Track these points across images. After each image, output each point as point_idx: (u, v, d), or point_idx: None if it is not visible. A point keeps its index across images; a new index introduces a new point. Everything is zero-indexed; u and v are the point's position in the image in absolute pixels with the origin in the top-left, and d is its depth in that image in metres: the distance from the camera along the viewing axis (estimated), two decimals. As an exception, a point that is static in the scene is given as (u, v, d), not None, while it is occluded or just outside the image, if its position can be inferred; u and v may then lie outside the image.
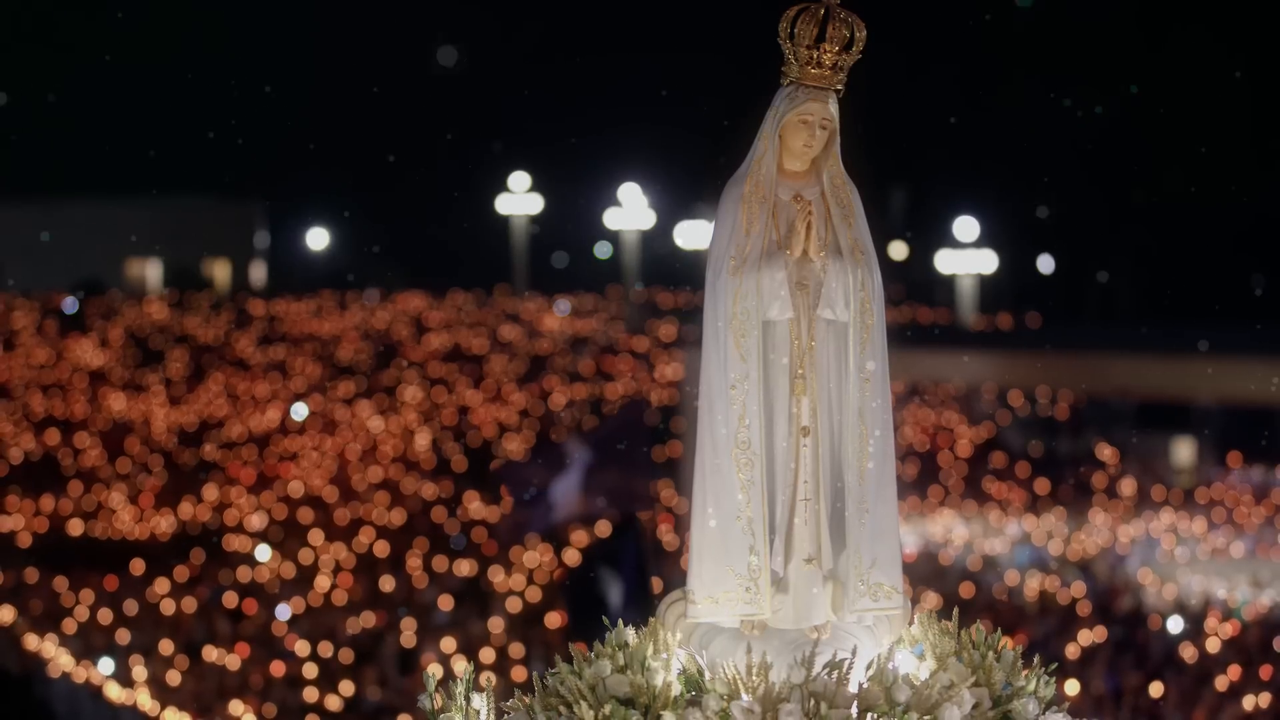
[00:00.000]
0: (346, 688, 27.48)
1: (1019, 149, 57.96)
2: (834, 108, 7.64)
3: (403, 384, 53.52)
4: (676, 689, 7.41)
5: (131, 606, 33.20)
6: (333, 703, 26.99)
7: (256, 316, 58.70)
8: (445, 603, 33.38)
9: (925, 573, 36.08)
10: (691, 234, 56.43)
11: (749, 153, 7.71)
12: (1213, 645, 28.82)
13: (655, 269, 61.16)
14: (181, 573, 36.58)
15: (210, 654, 29.45)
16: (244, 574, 36.66)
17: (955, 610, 7.84)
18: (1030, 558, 39.76)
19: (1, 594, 34.71)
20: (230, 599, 33.82)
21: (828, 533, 7.62)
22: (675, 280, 61.42)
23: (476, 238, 60.41)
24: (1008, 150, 58.43)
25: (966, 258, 60.94)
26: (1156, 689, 25.84)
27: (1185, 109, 53.79)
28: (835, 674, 7.20)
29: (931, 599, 28.87)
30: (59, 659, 29.59)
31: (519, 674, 26.26)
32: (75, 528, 43.65)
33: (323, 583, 35.97)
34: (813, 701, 7.12)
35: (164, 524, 43.74)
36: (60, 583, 35.34)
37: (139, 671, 28.21)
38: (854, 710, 7.16)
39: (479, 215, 61.16)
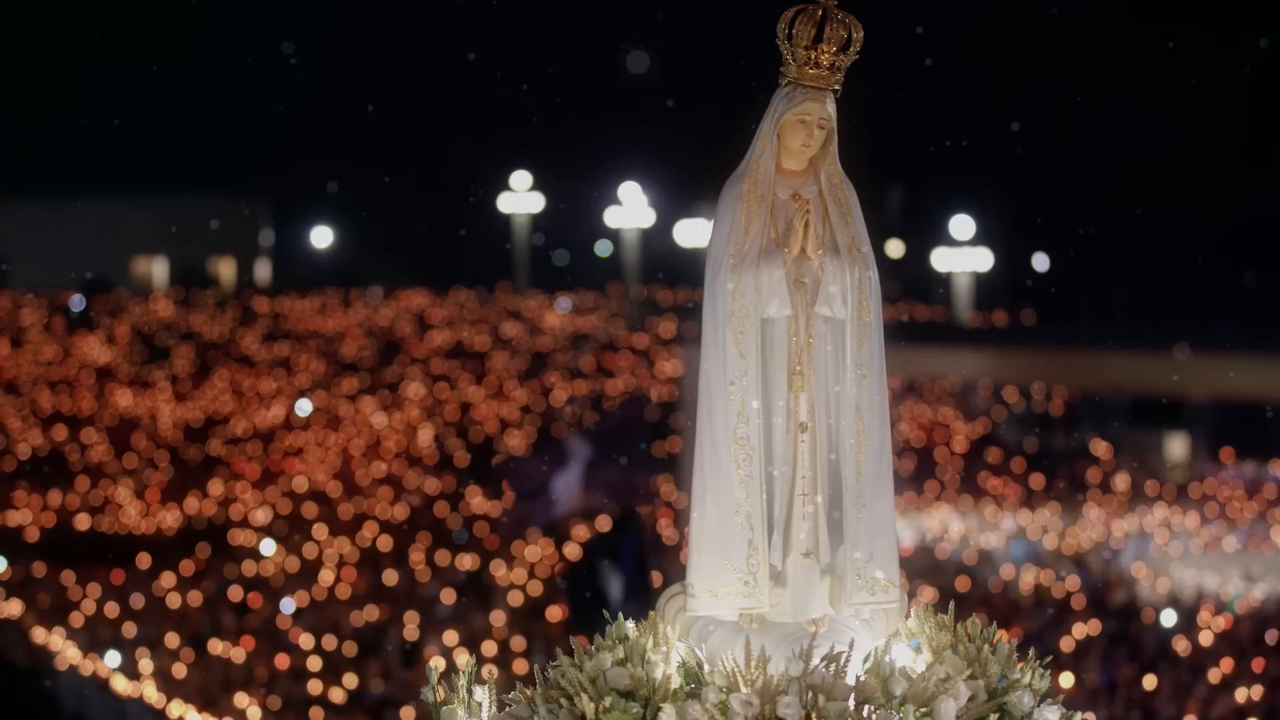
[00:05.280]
0: (350, 680, 27.66)
1: (1015, 148, 58.14)
2: (831, 107, 7.66)
3: (406, 380, 53.62)
4: (676, 682, 7.42)
5: (138, 600, 33.45)
6: (336, 695, 27.17)
7: (261, 314, 58.78)
8: (448, 596, 33.58)
9: (922, 567, 36.17)
10: (691, 232, 56.61)
11: (747, 152, 7.72)
12: (1206, 638, 28.92)
13: (655, 267, 61.26)
14: (187, 567, 36.77)
15: (215, 647, 29.67)
16: (249, 568, 36.81)
17: (951, 604, 7.83)
18: (1025, 552, 39.94)
19: (9, 588, 34.84)
20: (235, 593, 34.01)
21: (825, 527, 7.64)
22: (675, 278, 61.58)
23: (478, 235, 60.55)
24: (1004, 149, 58.59)
25: (962, 255, 61.06)
26: (1150, 682, 25.93)
27: (1181, 108, 53.97)
28: (833, 667, 7.22)
29: (928, 593, 28.89)
30: (66, 652, 29.81)
31: (520, 667, 26.36)
32: (82, 522, 43.70)
33: (326, 577, 36.13)
34: (810, 694, 7.13)
35: (170, 519, 43.89)
36: (67, 576, 35.53)
37: (145, 664, 28.42)
38: (851, 703, 7.18)
39: (481, 213, 61.32)
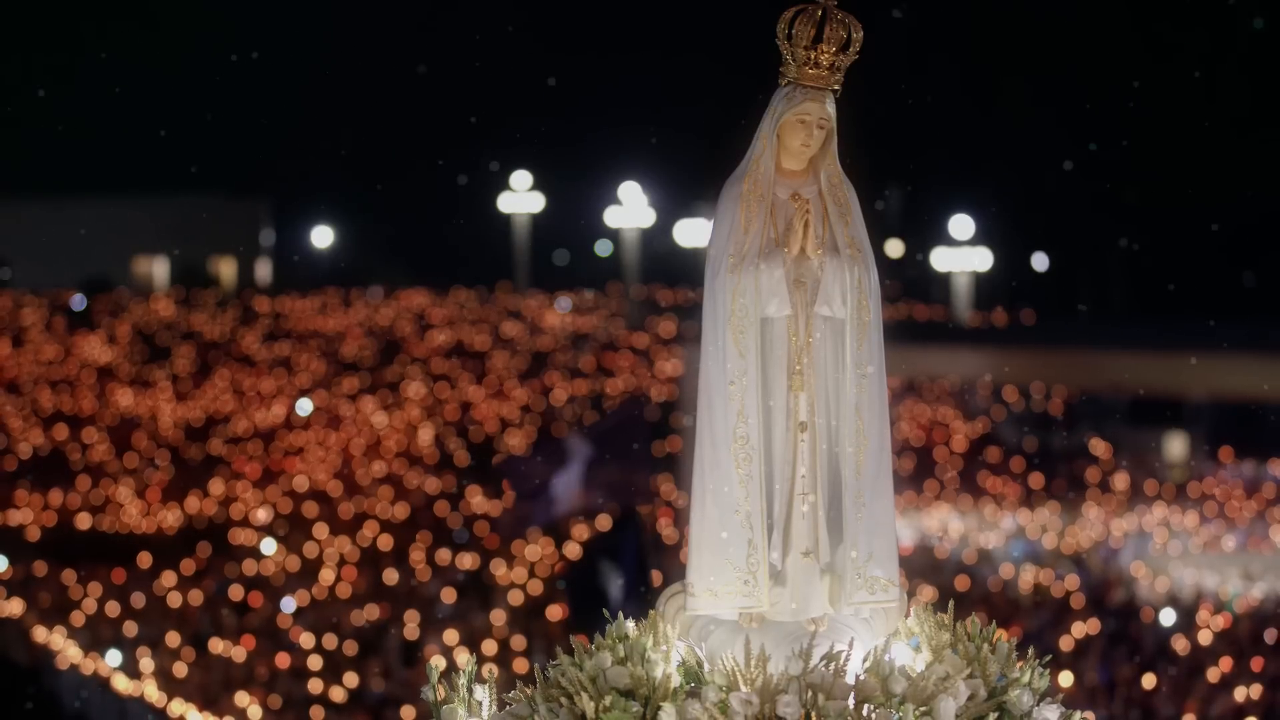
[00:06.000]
0: (350, 679, 27.71)
1: (1014, 148, 58.20)
2: (831, 107, 7.67)
3: (406, 380, 53.68)
4: (676, 681, 7.44)
5: (139, 599, 33.50)
6: (337, 694, 27.21)
7: (262, 313, 58.86)
8: (448, 595, 33.63)
9: (921, 566, 36.22)
10: (691, 232, 56.69)
11: (747, 152, 7.74)
12: (1205, 637, 28.97)
13: (655, 266, 61.34)
14: (188, 566, 36.82)
15: (216, 646, 29.72)
16: (249, 567, 36.88)
17: (950, 603, 7.84)
18: (1025, 551, 40.01)
19: (11, 587, 34.91)
20: (236, 592, 34.06)
21: (825, 526, 7.66)
22: (675, 278, 61.66)
23: (478, 235, 60.63)
24: (1003, 149, 58.66)
25: (962, 255, 61.16)
26: (1149, 681, 25.97)
27: (1179, 107, 54.03)
28: (832, 666, 7.24)
29: (927, 592, 28.96)
30: (67, 651, 29.84)
31: (521, 666, 26.40)
32: (83, 521, 43.76)
33: (327, 576, 36.19)
34: (810, 693, 7.13)
35: (170, 518, 43.96)
36: (69, 576, 35.59)
37: (146, 663, 28.45)
38: (851, 702, 7.19)
39: (481, 213, 61.40)
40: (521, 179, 61.62)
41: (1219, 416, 48.29)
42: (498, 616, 31.67)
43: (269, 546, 38.40)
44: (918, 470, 47.16)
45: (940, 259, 61.52)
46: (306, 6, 64.15)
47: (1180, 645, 28.47)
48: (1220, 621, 30.57)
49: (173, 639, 29.93)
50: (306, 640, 29.74)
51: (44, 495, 44.80)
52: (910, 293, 62.17)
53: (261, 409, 51.54)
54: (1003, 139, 58.15)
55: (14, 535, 41.71)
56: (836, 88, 7.71)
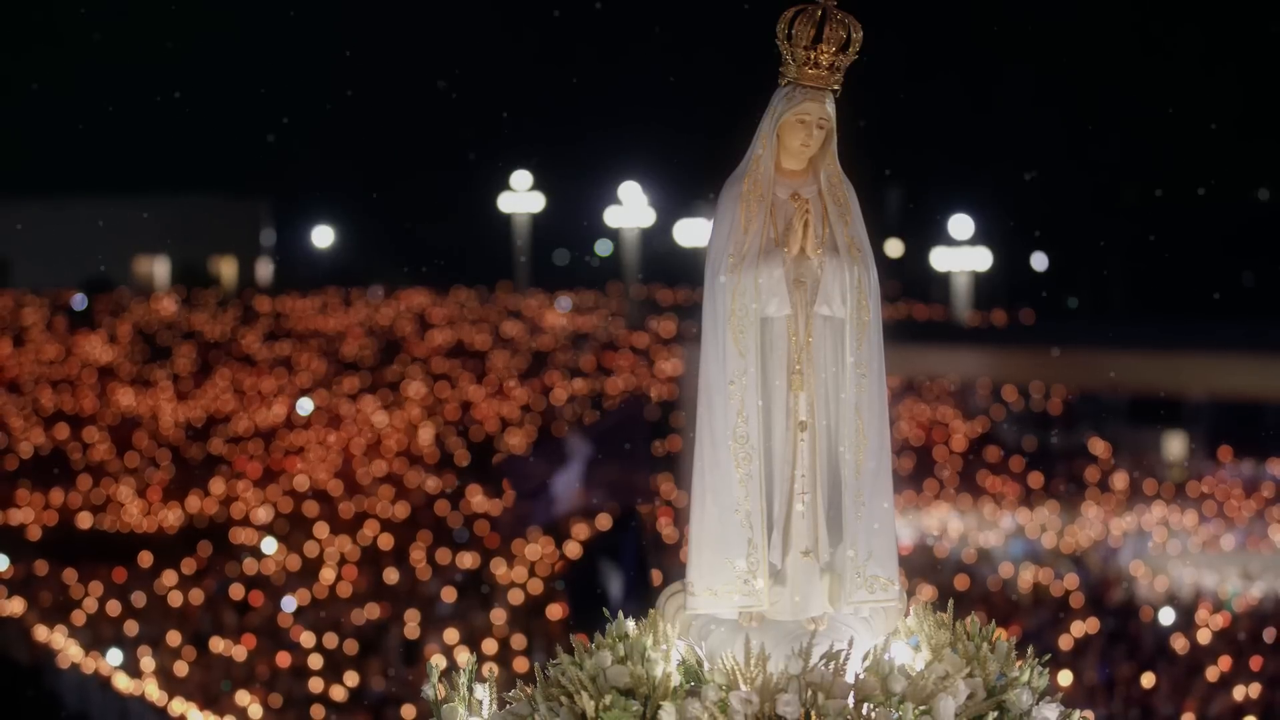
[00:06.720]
0: (351, 678, 27.76)
1: (1014, 148, 58.26)
2: (831, 107, 7.68)
3: (406, 379, 53.71)
4: (676, 680, 7.45)
5: (139, 598, 33.54)
6: (338, 693, 27.26)
7: (262, 313, 58.88)
8: (448, 595, 33.68)
9: (921, 565, 36.23)
10: (691, 232, 56.72)
11: (747, 152, 7.74)
12: (1204, 636, 29.01)
13: (655, 266, 61.36)
14: (189, 565, 36.86)
15: (217, 645, 29.77)
16: (250, 566, 36.92)
17: (950, 602, 7.85)
18: (1024, 550, 40.05)
19: (12, 586, 34.96)
20: (236, 591, 34.10)
21: (824, 526, 7.67)
22: (675, 278, 61.70)
23: (479, 235, 60.66)
24: (1003, 149, 58.71)
25: (961, 255, 61.22)
26: (1148, 679, 26.04)
27: (1178, 108, 54.09)
28: (832, 665, 7.25)
29: (927, 591, 28.98)
30: (68, 650, 29.89)
31: (521, 665, 26.46)
32: (84, 521, 43.78)
33: (328, 575, 36.23)
34: (810, 692, 7.15)
35: (171, 517, 43.99)
36: (69, 575, 35.63)
37: (147, 662, 28.49)
38: (850, 700, 7.20)
39: (481, 213, 61.43)
40: (521, 179, 61.63)
41: (1218, 416, 48.32)
42: (498, 615, 31.70)
43: (269, 546, 38.42)
44: (918, 470, 47.18)
45: (940, 259, 61.58)
46: (307, 7, 64.15)
47: (1179, 644, 28.50)
48: (1219, 620, 30.61)
49: (173, 638, 29.97)
50: (307, 639, 29.78)
51: (45, 494, 44.81)
52: (910, 293, 62.26)
53: (262, 408, 51.58)
54: (1002, 139, 58.20)
55: (15, 534, 41.74)
56: (836, 87, 7.71)
